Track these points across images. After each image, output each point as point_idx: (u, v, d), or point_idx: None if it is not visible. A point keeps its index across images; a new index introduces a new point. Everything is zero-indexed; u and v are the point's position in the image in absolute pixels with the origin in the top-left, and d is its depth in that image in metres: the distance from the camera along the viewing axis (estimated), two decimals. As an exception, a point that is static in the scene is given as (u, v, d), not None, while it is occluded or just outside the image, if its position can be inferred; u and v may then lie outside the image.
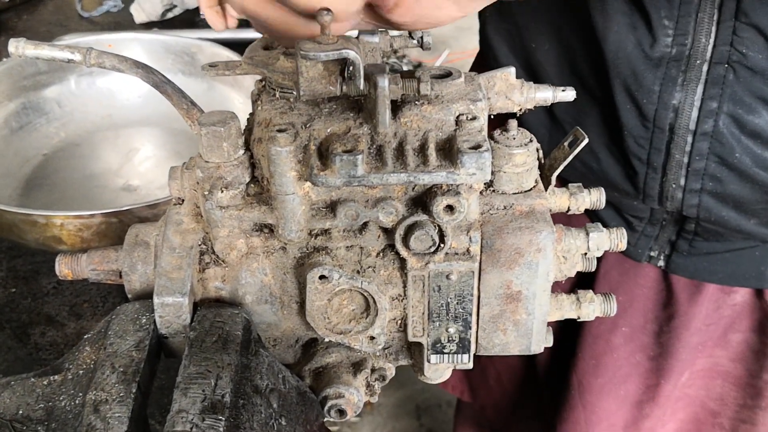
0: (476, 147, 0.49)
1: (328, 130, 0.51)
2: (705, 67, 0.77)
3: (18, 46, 0.54)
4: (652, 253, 0.92)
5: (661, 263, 0.92)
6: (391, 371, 0.61)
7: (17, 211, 0.85)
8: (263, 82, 0.57)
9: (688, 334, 0.94)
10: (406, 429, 2.29)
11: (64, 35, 1.37)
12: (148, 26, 1.43)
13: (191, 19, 1.46)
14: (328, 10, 0.46)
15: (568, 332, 1.01)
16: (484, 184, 0.55)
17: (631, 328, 0.98)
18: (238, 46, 1.18)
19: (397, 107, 0.52)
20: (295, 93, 0.53)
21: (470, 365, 0.60)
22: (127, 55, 0.60)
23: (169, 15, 1.44)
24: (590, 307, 0.60)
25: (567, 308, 0.60)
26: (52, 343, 0.86)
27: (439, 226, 0.53)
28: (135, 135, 1.17)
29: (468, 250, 0.55)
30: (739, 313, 0.93)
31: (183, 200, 0.58)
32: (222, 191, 0.53)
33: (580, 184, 0.61)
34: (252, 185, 0.55)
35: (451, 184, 0.51)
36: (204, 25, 1.45)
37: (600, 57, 0.82)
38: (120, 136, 1.17)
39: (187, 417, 0.48)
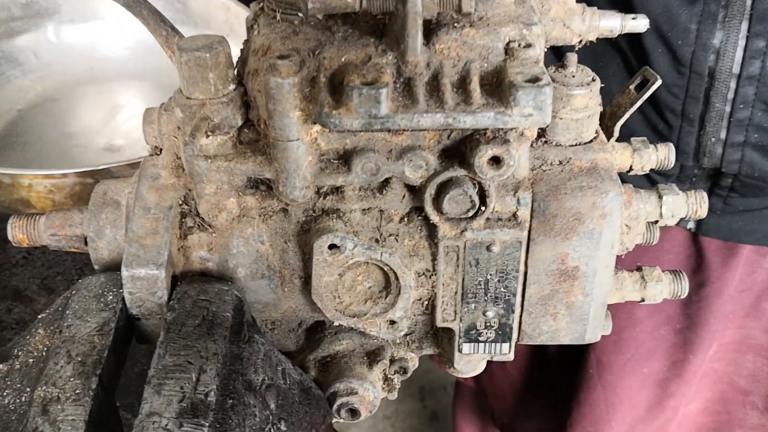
0: (534, 80, 0.38)
1: (343, 59, 0.40)
2: (749, 1, 0.69)
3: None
4: None
5: (691, 225, 0.83)
6: (413, 362, 0.51)
7: (-22, 170, 0.74)
8: (261, 4, 0.46)
9: (720, 303, 0.86)
10: (409, 411, 2.20)
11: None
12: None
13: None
14: None
15: None
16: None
17: None
18: (235, -6, 1.07)
19: (431, 30, 0.41)
20: (300, 13, 0.42)
21: (511, 356, 0.49)
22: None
23: (161, -37, 1.32)
24: (657, 288, 0.50)
25: (629, 288, 0.50)
26: (19, 321, 0.76)
27: (480, 183, 0.42)
28: (120, 90, 1.06)
29: (515, 214, 0.44)
30: None
31: (161, 150, 0.47)
32: (207, 135, 0.42)
33: (645, 138, 0.51)
34: (246, 130, 0.44)
35: (499, 129, 0.40)
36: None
37: None
38: (103, 91, 1.05)
39: (160, 422, 0.37)
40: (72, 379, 0.40)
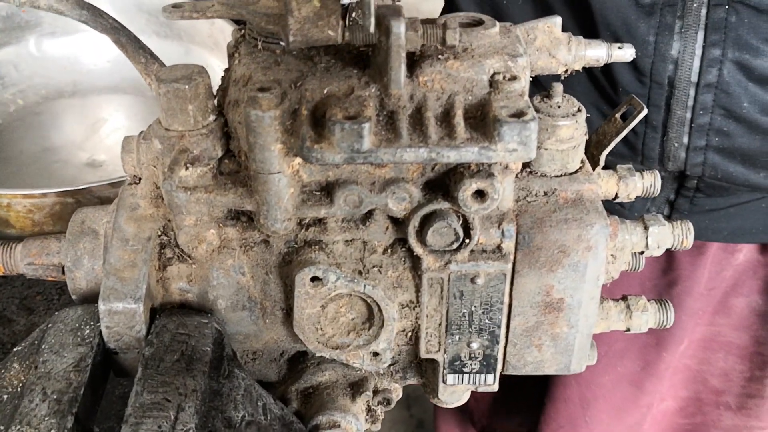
0: (518, 114, 0.38)
1: (325, 91, 0.40)
2: (703, 11, 0.70)
3: (-75, -22, 0.42)
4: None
5: None
6: (397, 393, 0.50)
7: (-45, 189, 0.73)
8: (242, 31, 0.45)
9: (691, 300, 0.88)
10: (395, 419, 2.19)
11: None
12: (122, -15, 1.30)
13: (169, -21, 1.32)
14: None
15: None
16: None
17: None
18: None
19: (414, 62, 0.40)
20: (282, 42, 0.41)
21: (495, 387, 0.49)
22: None
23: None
24: (643, 317, 0.49)
25: (614, 318, 0.49)
26: (-2, 343, 0.74)
27: (464, 216, 0.42)
28: (102, 104, 1.05)
29: (499, 246, 0.43)
30: (742, 274, 0.88)
31: (140, 179, 0.46)
32: (187, 168, 0.41)
33: (631, 165, 0.50)
34: (226, 161, 0.43)
35: (483, 164, 0.40)
36: (183, -16, 1.32)
37: (583, 5, 0.74)
38: (86, 104, 1.04)
39: (136, 464, 0.36)
40: (47, 418, 0.39)
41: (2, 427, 0.40)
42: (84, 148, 0.97)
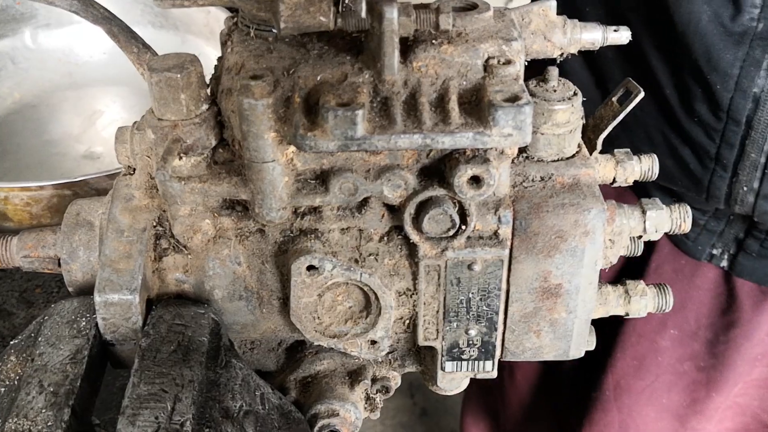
0: (513, 99, 0.37)
1: (318, 78, 0.39)
2: None
3: None
4: (714, 251, 0.80)
5: (724, 264, 0.81)
6: (395, 381, 0.50)
7: (-48, 183, 0.72)
8: (235, 19, 0.45)
9: (750, 345, 0.84)
10: (398, 407, 2.20)
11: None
12: (117, -24, 1.29)
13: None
14: None
15: (607, 326, 0.89)
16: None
17: (681, 332, 0.87)
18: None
19: (408, 47, 0.40)
20: (274, 29, 0.41)
21: (494, 374, 0.49)
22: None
23: (141, -37, 1.30)
24: (641, 302, 0.49)
25: (613, 303, 0.49)
26: (-2, 336, 0.74)
27: (460, 202, 0.42)
28: (99, 95, 1.04)
29: (496, 233, 0.43)
30: None
31: (134, 169, 0.46)
32: (180, 157, 0.41)
33: (628, 149, 0.50)
34: (220, 150, 0.43)
35: (479, 149, 0.40)
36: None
37: (666, 28, 0.69)
38: (82, 96, 1.04)
39: (133, 455, 0.36)
40: (44, 411, 0.39)
41: (0, 420, 0.40)
42: (81, 140, 0.97)
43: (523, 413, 1.07)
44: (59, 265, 0.49)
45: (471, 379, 0.51)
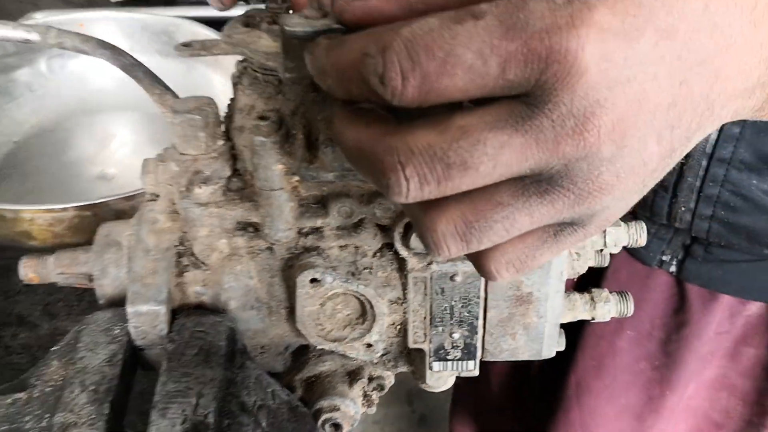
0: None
1: (318, 117, 0.46)
2: None
3: (-32, 26, 0.48)
4: (664, 258, 0.87)
5: (673, 269, 0.87)
6: (389, 380, 0.56)
7: (-18, 206, 0.79)
8: (244, 63, 0.51)
9: (700, 344, 0.89)
10: (398, 414, 2.25)
11: (35, 12, 1.30)
12: (124, 4, 1.36)
13: (170, -4, 1.38)
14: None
15: (568, 330, 0.95)
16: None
17: (637, 333, 0.93)
18: (219, 24, 1.12)
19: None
20: (279, 75, 0.47)
21: (476, 372, 0.55)
22: (92, 35, 0.54)
23: (146, -8, 1.37)
24: (605, 308, 0.55)
25: (580, 309, 0.56)
26: (25, 346, 0.80)
27: (442, 222, 0.48)
28: (111, 120, 1.10)
29: (474, 248, 0.49)
30: (754, 326, 0.88)
31: (158, 196, 0.52)
32: (200, 187, 0.48)
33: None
34: (234, 179, 0.50)
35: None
36: (182, 2, 1.38)
37: None
38: (95, 121, 1.10)
39: (165, 442, 0.43)
40: (87, 406, 0.45)
41: (48, 415, 0.46)
42: (95, 163, 1.03)
43: (499, 414, 1.13)
44: (91, 280, 0.56)
45: (456, 382, 0.56)
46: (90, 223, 0.81)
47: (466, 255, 0.36)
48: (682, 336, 0.89)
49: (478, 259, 0.37)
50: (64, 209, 0.80)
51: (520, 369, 1.07)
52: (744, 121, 0.69)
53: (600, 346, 0.94)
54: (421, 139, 0.32)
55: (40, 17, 1.28)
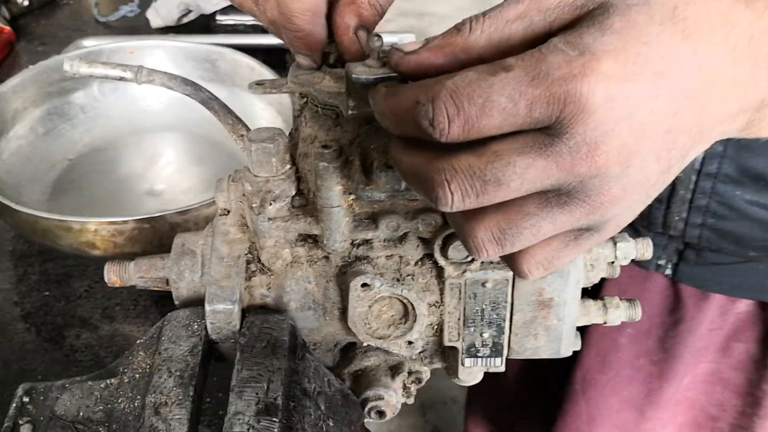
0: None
1: (372, 146, 0.54)
2: None
3: (72, 65, 0.57)
4: (660, 262, 0.95)
5: (668, 272, 0.95)
6: (426, 374, 0.64)
7: (52, 218, 0.87)
8: (305, 98, 0.60)
9: (694, 339, 0.97)
10: (411, 426, 2.32)
11: (83, 39, 1.39)
12: (164, 31, 1.45)
13: (206, 24, 1.48)
14: (378, 36, 0.49)
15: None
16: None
17: (637, 331, 1.01)
18: (256, 51, 1.21)
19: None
20: (341, 111, 0.56)
21: (502, 368, 0.63)
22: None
23: (185, 20, 1.47)
24: (616, 313, 0.63)
25: (594, 314, 0.63)
26: (87, 345, 0.88)
27: (476, 236, 0.56)
28: (157, 140, 1.19)
29: (503, 259, 0.57)
30: (743, 322, 0.96)
31: (229, 211, 0.61)
32: (270, 204, 0.56)
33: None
34: (297, 197, 0.58)
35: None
36: (219, 30, 1.48)
37: None
38: (142, 141, 1.18)
39: (243, 419, 0.51)
40: (174, 389, 0.53)
41: (139, 397, 0.54)
42: (144, 179, 1.12)
43: (511, 412, 1.20)
44: (167, 284, 0.64)
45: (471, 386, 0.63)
46: (147, 235, 0.90)
47: (501, 258, 0.45)
48: (678, 333, 0.97)
49: (512, 261, 0.45)
50: (125, 222, 0.88)
51: (533, 369, 1.15)
52: (727, 141, 0.77)
53: (603, 343, 1.02)
54: (463, 161, 0.41)
55: (88, 44, 1.38)
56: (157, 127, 1.20)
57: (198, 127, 1.20)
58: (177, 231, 0.90)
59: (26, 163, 1.09)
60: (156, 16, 1.43)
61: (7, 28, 1.39)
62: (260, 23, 0.57)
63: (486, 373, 0.63)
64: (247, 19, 1.46)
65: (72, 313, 0.92)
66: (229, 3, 1.46)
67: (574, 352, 1.04)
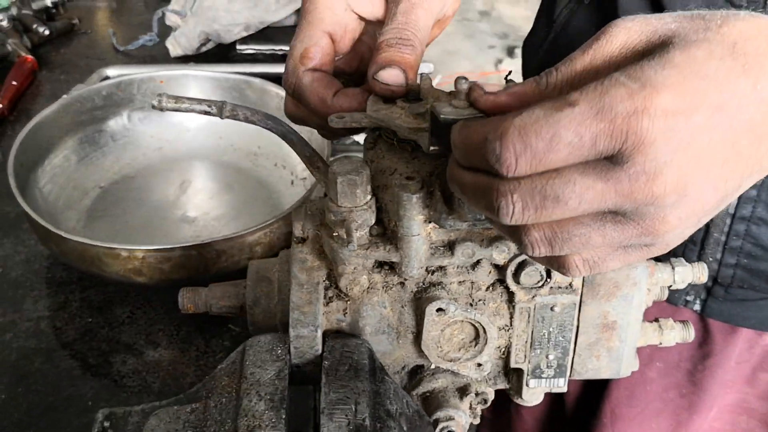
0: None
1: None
2: None
3: (161, 101, 0.59)
4: (688, 298, 0.98)
5: (697, 307, 0.98)
6: (491, 395, 0.67)
7: (101, 245, 0.89)
8: (377, 132, 0.63)
9: (722, 372, 0.99)
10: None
11: (105, 68, 1.41)
12: (184, 60, 1.48)
13: (225, 53, 1.51)
14: (465, 78, 0.52)
15: None
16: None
17: (666, 365, 1.03)
18: (279, 80, 1.24)
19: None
20: (421, 146, 0.58)
21: (565, 389, 0.65)
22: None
23: (204, 49, 1.49)
24: (671, 334, 0.66)
25: (650, 335, 0.66)
26: (134, 371, 0.90)
27: (547, 263, 0.59)
28: (186, 167, 1.21)
29: (570, 284, 0.61)
30: None
31: (305, 239, 0.63)
32: (353, 232, 0.58)
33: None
34: (375, 226, 0.60)
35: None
36: (238, 59, 1.51)
37: None
38: (171, 168, 1.20)
39: (337, 440, 0.53)
40: (267, 412, 0.55)
41: (229, 420, 0.56)
42: (177, 206, 1.14)
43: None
44: (241, 310, 0.66)
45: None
46: (193, 261, 0.92)
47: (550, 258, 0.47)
48: (707, 366, 1.00)
49: (559, 258, 0.47)
50: (173, 249, 0.90)
51: (554, 401, 1.17)
52: (761, 185, 0.81)
53: (632, 376, 1.04)
54: (526, 176, 0.43)
55: (111, 73, 1.40)
56: (185, 155, 1.22)
57: (225, 155, 1.23)
58: (222, 258, 0.92)
59: (61, 191, 1.11)
60: (176, 45, 1.46)
61: (31, 57, 1.41)
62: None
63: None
64: (266, 48, 1.49)
65: (116, 339, 0.93)
66: (247, 33, 1.49)
67: (603, 386, 1.08)
